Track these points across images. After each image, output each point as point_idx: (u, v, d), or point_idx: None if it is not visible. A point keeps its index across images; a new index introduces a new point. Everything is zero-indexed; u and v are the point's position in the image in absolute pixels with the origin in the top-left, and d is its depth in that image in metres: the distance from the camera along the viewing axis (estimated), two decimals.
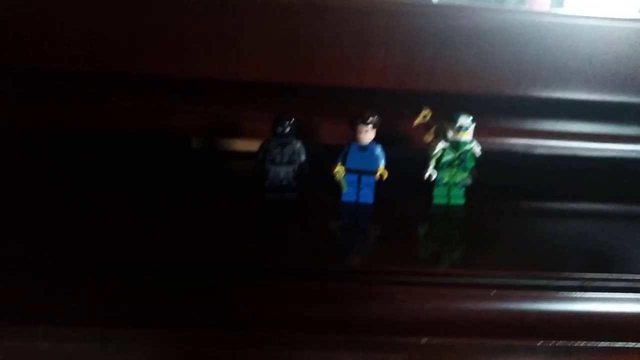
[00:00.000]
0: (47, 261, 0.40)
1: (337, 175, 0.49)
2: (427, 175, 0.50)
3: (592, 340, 0.40)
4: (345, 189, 0.49)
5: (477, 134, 0.50)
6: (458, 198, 0.51)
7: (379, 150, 0.49)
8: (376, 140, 0.49)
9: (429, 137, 0.51)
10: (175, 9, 0.55)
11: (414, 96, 0.60)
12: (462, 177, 0.50)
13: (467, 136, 0.48)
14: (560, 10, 0.71)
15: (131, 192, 0.50)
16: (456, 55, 0.59)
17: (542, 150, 0.59)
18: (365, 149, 0.49)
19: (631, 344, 0.40)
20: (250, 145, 0.56)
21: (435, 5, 0.61)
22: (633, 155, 0.59)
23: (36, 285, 0.39)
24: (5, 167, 0.53)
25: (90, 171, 0.54)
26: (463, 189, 0.51)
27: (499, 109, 0.61)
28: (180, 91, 0.57)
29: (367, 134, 0.48)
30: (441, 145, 0.49)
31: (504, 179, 0.59)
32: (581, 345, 0.40)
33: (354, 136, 0.48)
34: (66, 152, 0.57)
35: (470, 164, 0.50)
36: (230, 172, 0.58)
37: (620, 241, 0.48)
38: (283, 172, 0.49)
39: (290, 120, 0.47)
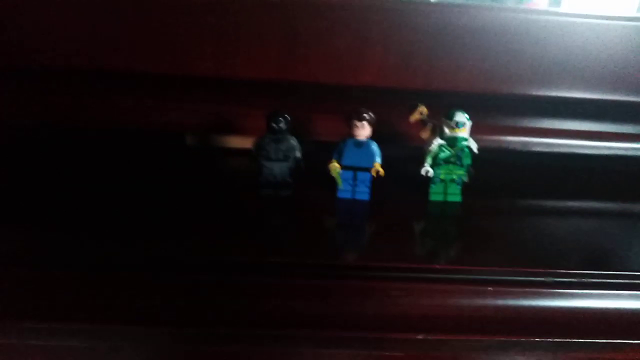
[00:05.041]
0: (38, 257, 0.40)
1: (332, 172, 0.48)
2: (423, 171, 0.49)
3: (589, 337, 0.39)
4: (340, 185, 0.49)
5: (474, 132, 0.50)
6: (455, 195, 0.51)
7: (374, 146, 0.48)
8: (373, 137, 0.49)
9: (425, 134, 0.50)
10: (170, 6, 0.55)
11: (411, 94, 0.60)
12: (459, 174, 0.50)
13: (463, 133, 0.48)
14: (558, 9, 0.71)
15: (124, 190, 0.50)
16: (454, 54, 0.59)
17: (540, 148, 0.58)
18: (361, 145, 0.48)
19: (628, 341, 0.39)
20: (246, 142, 0.56)
21: (433, 4, 0.61)
22: (630, 153, 0.59)
23: (27, 281, 0.38)
24: None
25: (84, 168, 0.54)
26: (460, 186, 0.50)
27: (496, 106, 0.60)
28: (176, 88, 0.56)
29: (363, 130, 0.47)
30: (437, 142, 0.49)
31: (501, 176, 0.58)
32: (578, 341, 0.39)
33: (350, 132, 0.48)
34: (60, 149, 0.57)
35: (467, 161, 0.49)
36: (226, 169, 0.57)
37: (618, 239, 0.47)
38: (278, 168, 0.48)
39: (284, 116, 0.47)
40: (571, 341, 0.39)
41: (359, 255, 0.44)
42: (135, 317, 0.38)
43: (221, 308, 0.39)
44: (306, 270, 0.41)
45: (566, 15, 0.60)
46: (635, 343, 0.39)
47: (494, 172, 0.58)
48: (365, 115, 0.47)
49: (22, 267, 0.39)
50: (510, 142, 0.58)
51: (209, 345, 0.40)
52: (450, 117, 0.48)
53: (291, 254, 0.43)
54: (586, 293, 0.41)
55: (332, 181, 0.49)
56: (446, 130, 0.48)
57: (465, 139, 0.48)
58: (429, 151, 0.49)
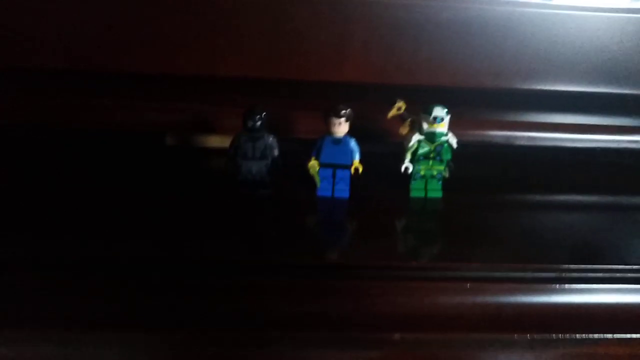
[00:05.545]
0: (17, 259, 0.39)
1: (311, 170, 0.48)
2: (403, 168, 0.49)
3: (569, 332, 0.39)
4: (319, 183, 0.49)
5: (457, 126, 0.50)
6: (435, 191, 0.50)
7: (353, 143, 0.48)
8: (353, 133, 0.48)
9: (404, 130, 0.50)
10: (150, 4, 0.54)
11: (394, 90, 0.59)
12: (439, 169, 0.49)
13: (442, 128, 0.47)
14: (547, 2, 0.70)
15: (104, 190, 0.49)
16: (437, 48, 0.58)
17: (523, 142, 0.58)
18: (339, 142, 0.48)
19: (608, 335, 0.39)
20: (225, 141, 0.55)
21: None
22: (615, 146, 0.58)
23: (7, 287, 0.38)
24: None
25: (63, 168, 0.53)
26: (440, 181, 0.50)
27: (479, 101, 0.60)
28: (155, 87, 0.56)
29: (341, 127, 0.47)
30: (416, 137, 0.48)
31: (484, 171, 0.58)
32: (557, 337, 0.39)
33: (327, 130, 0.48)
34: (38, 150, 0.56)
35: (447, 156, 0.49)
36: (205, 169, 0.57)
37: (600, 233, 0.47)
38: (255, 167, 0.48)
39: (261, 114, 0.46)
40: (550, 337, 0.39)
41: (338, 254, 0.44)
42: (118, 321, 0.38)
43: (198, 309, 0.39)
44: (284, 270, 0.40)
45: (551, 7, 0.59)
46: (613, 338, 0.39)
47: (478, 166, 0.58)
48: (343, 111, 0.47)
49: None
50: (494, 136, 0.58)
51: (193, 348, 0.40)
52: (428, 112, 0.47)
53: (270, 253, 0.42)
54: (565, 288, 0.40)
55: (311, 179, 0.49)
56: (425, 125, 0.48)
57: (445, 134, 0.48)
58: (408, 147, 0.48)
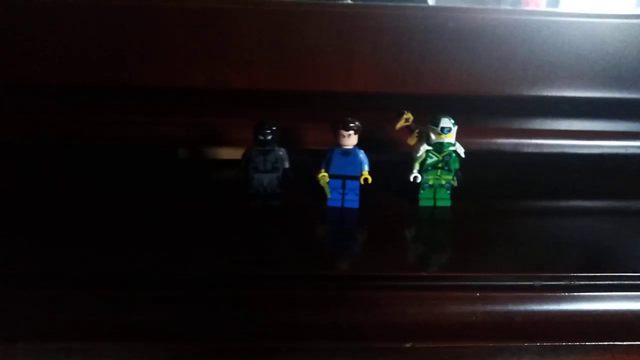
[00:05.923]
0: (27, 272, 0.40)
1: (320, 181, 0.49)
2: (411, 178, 0.50)
3: (579, 340, 0.39)
4: (329, 194, 0.49)
5: (465, 135, 0.50)
6: (444, 200, 0.51)
7: (362, 155, 0.49)
8: (362, 143, 0.49)
9: (412, 141, 0.50)
10: (158, 19, 0.55)
11: (402, 99, 0.60)
12: (447, 179, 0.50)
13: (449, 138, 0.48)
14: (556, 9, 0.71)
15: (117, 204, 0.50)
16: (443, 57, 0.59)
17: (530, 149, 0.58)
18: (348, 154, 0.49)
19: (616, 342, 0.39)
20: (237, 153, 0.56)
21: (421, 8, 0.61)
22: (622, 151, 0.58)
23: (17, 299, 0.39)
24: None
25: (77, 183, 0.54)
26: (449, 190, 0.51)
27: (486, 109, 0.60)
28: (166, 101, 0.57)
29: (350, 139, 0.48)
30: (424, 148, 0.49)
31: (492, 179, 0.58)
32: (567, 344, 0.39)
33: (336, 142, 0.48)
34: (52, 165, 0.58)
35: (455, 166, 0.49)
36: (217, 181, 0.58)
37: (609, 239, 0.47)
38: (267, 179, 0.49)
39: (271, 127, 0.47)
40: (560, 344, 0.39)
41: (348, 265, 0.44)
42: (125, 333, 0.39)
43: (208, 320, 0.39)
44: (295, 281, 0.41)
45: (556, 14, 0.60)
46: (623, 345, 0.39)
47: (485, 174, 0.58)
48: (351, 124, 0.47)
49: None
50: (501, 144, 0.58)
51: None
52: (435, 123, 0.48)
53: (280, 265, 0.43)
54: (575, 296, 0.40)
55: (321, 190, 0.50)
56: (432, 136, 0.48)
57: (452, 144, 0.49)
58: (416, 157, 0.49)
